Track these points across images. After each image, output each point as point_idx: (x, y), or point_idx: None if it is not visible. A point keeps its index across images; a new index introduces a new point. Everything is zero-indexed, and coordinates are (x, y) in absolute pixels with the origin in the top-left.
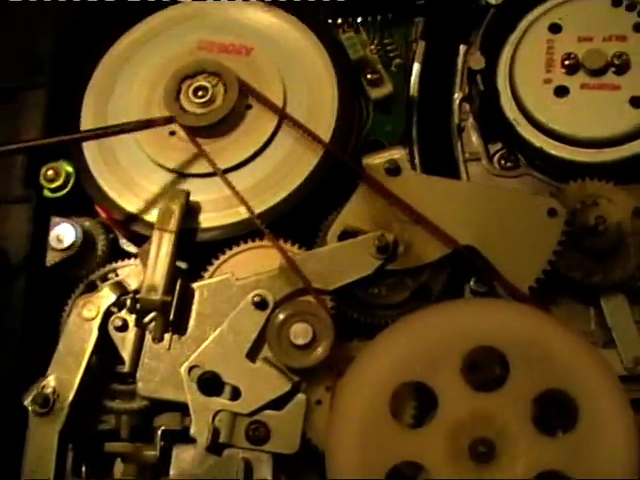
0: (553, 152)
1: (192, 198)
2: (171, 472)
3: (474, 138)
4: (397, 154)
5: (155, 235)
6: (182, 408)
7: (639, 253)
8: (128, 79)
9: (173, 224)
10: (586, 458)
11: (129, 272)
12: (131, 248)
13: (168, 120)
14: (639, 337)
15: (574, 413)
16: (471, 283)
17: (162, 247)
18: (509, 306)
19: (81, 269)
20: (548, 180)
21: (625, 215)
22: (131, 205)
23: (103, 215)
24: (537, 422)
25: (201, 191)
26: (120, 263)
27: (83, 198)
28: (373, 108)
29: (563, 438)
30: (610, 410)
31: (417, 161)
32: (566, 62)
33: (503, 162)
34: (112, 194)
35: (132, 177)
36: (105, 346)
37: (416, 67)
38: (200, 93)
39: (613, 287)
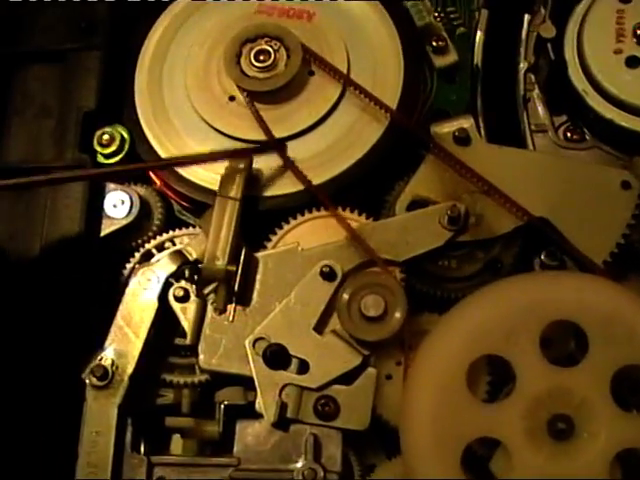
0: (624, 124)
1: (254, 165)
2: (235, 448)
3: (540, 109)
4: (466, 123)
5: (218, 202)
6: (245, 382)
7: None
8: (183, 42)
9: (236, 191)
10: None
11: (188, 241)
12: (187, 217)
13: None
14: None
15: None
16: (542, 257)
17: (225, 215)
18: (589, 279)
19: (137, 238)
20: (617, 153)
21: None
22: (188, 172)
23: (159, 183)
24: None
25: (263, 158)
26: (177, 232)
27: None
28: (437, 77)
29: None
30: None
31: (482, 132)
32: (638, 32)
33: (569, 135)
34: None
35: (189, 143)
36: (164, 317)
37: (479, 36)
38: (262, 57)
39: None
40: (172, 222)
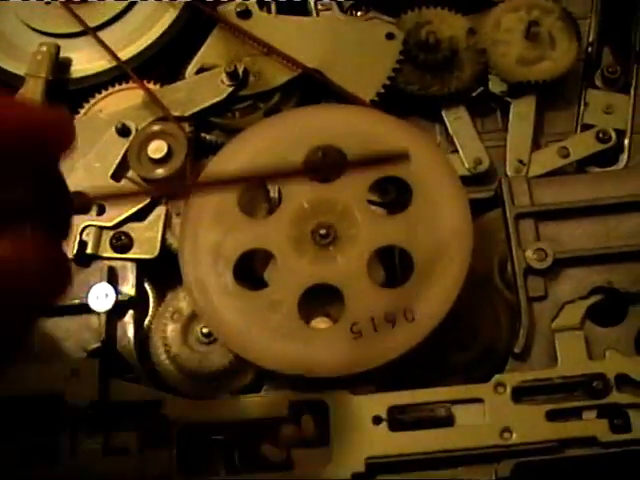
0: None
1: (64, 55)
2: None
3: None
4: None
5: (27, 82)
6: None
7: (473, 66)
8: None
9: (44, 69)
10: (422, 232)
11: None
12: None
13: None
14: (479, 141)
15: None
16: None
17: (34, 93)
18: (349, 108)
19: None
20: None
21: (458, 33)
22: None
23: None
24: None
25: (75, 49)
26: None
27: None
28: None
29: (399, 217)
30: (442, 188)
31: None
32: None
33: (353, 13)
34: None
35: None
36: None
37: None
38: None
39: (451, 98)
40: None
